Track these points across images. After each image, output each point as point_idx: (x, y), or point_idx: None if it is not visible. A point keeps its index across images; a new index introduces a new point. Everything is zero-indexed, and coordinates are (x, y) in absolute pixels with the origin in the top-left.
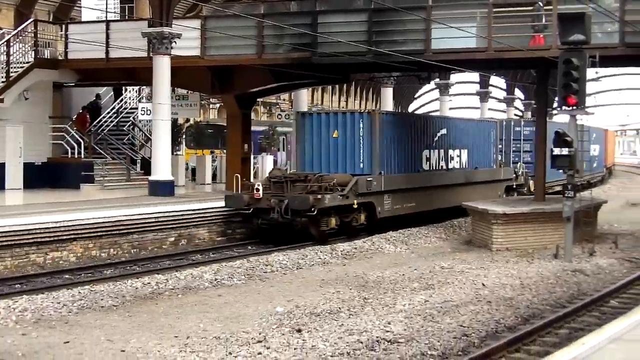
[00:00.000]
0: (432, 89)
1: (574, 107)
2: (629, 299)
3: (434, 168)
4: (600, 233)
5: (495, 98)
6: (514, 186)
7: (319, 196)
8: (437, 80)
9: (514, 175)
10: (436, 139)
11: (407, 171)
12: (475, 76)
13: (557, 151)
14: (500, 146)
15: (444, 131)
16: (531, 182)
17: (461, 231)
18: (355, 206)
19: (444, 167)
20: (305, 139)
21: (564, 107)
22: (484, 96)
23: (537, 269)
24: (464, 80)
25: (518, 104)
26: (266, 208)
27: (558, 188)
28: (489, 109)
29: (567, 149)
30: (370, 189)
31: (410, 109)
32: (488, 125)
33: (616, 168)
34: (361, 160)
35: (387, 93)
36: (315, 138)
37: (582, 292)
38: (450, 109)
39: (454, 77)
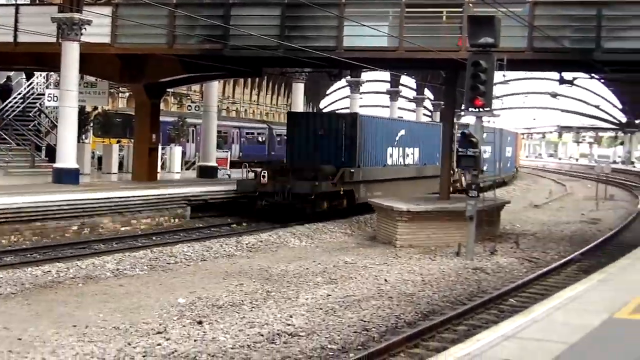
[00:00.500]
0: (344, 86)
1: (480, 109)
2: (527, 297)
3: (395, 163)
4: (503, 233)
5: (406, 97)
6: (452, 181)
7: (317, 183)
8: (349, 77)
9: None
10: (397, 138)
11: (377, 165)
12: (386, 75)
13: (462, 151)
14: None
15: (402, 132)
16: (463, 178)
17: (367, 227)
18: (342, 192)
19: (402, 162)
20: (295, 135)
21: (470, 109)
22: (394, 95)
23: (439, 266)
24: (375, 79)
25: (428, 104)
26: (270, 192)
27: None
28: (399, 108)
29: (472, 150)
30: (352, 179)
31: (322, 105)
32: (435, 127)
33: (521, 170)
34: (343, 155)
35: (299, 88)
36: (304, 134)
37: (482, 289)
38: (361, 106)
39: (365, 75)
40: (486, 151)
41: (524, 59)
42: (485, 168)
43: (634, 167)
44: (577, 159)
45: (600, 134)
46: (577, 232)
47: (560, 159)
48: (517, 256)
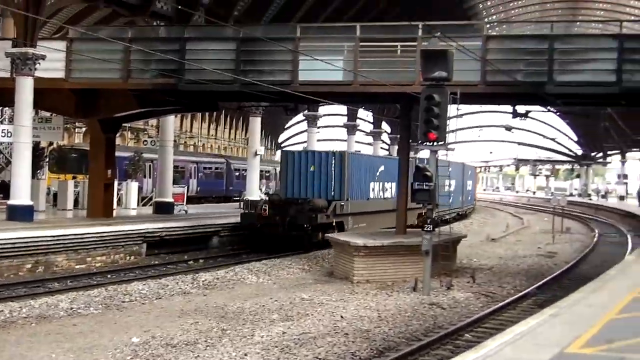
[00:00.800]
0: (302, 120)
1: (435, 143)
2: (483, 332)
3: (376, 197)
4: (459, 267)
5: (363, 131)
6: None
7: (314, 215)
8: (306, 111)
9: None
10: (377, 174)
11: (362, 198)
12: (343, 109)
13: (417, 185)
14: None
15: (382, 168)
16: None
17: (324, 263)
18: (334, 224)
19: (382, 196)
20: (288, 171)
21: (424, 143)
22: (351, 129)
23: (396, 302)
24: (333, 113)
25: (385, 137)
26: (272, 224)
27: None
28: (357, 142)
29: (427, 184)
30: (342, 211)
31: (280, 139)
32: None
33: (479, 204)
34: (333, 189)
35: (256, 122)
36: (297, 170)
37: (438, 325)
38: (319, 140)
39: (323, 109)
40: (451, 185)
41: (477, 92)
42: (450, 200)
43: (590, 199)
44: (534, 192)
45: (557, 166)
46: (533, 266)
47: (517, 192)
48: (473, 291)
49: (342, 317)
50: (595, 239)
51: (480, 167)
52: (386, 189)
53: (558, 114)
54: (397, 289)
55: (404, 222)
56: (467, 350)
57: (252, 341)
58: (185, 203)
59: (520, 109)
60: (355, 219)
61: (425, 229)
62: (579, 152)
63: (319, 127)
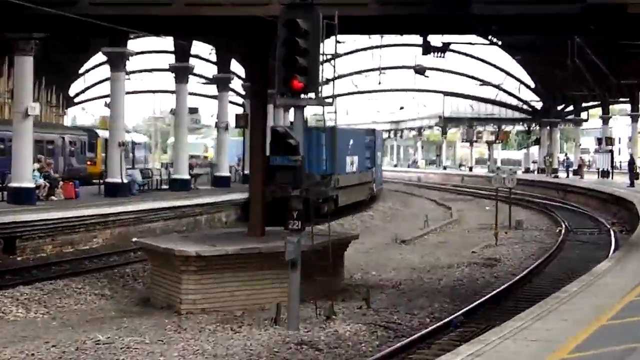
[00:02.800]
0: (103, 63)
1: (302, 94)
2: None
3: (349, 171)
4: (348, 285)
5: (202, 77)
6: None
7: (324, 188)
8: (107, 48)
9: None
10: (349, 147)
11: (342, 173)
12: (170, 43)
13: (276, 161)
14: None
15: (351, 141)
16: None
17: (136, 283)
18: (335, 197)
19: (352, 170)
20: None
21: (285, 95)
22: (182, 74)
23: (246, 342)
24: (153, 49)
25: (238, 85)
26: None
27: None
28: (192, 94)
29: (291, 158)
30: (337, 185)
31: (72, 91)
32: (362, 134)
33: (386, 186)
34: (325, 164)
35: (26, 65)
36: None
37: None
38: (132, 93)
39: (137, 44)
40: (353, 162)
41: (368, 15)
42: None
43: (556, 176)
44: (470, 168)
45: (505, 127)
46: (462, 281)
47: (444, 167)
48: (367, 321)
49: None
50: (560, 238)
51: (387, 131)
52: (353, 163)
53: (501, 45)
54: (250, 321)
55: (261, 218)
56: None
57: None
58: None
59: (436, 40)
60: (343, 193)
61: (290, 226)
62: (538, 105)
63: (129, 73)
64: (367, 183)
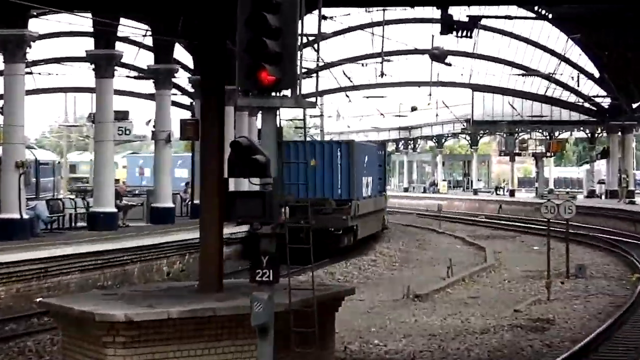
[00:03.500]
0: None
1: (273, 91)
2: None
3: (366, 195)
4: (340, 359)
5: (134, 68)
6: None
7: (344, 217)
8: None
9: None
10: (365, 166)
11: (360, 198)
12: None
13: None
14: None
15: (366, 158)
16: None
17: None
18: (354, 227)
19: (368, 194)
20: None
21: (250, 92)
22: (104, 64)
23: None
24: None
25: (184, 80)
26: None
27: None
28: (118, 92)
29: (261, 180)
30: (357, 212)
31: None
32: (372, 148)
33: (393, 218)
34: (340, 187)
35: None
36: (291, 165)
37: None
38: (31, 92)
39: (38, 25)
40: (369, 185)
41: None
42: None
43: (633, 201)
44: (511, 191)
45: (561, 134)
46: (502, 352)
47: (475, 191)
48: None
49: None
50: (638, 290)
51: (394, 141)
52: (369, 185)
53: (552, 18)
54: None
55: (218, 266)
56: None
57: None
58: None
59: (460, 13)
60: (362, 222)
61: (257, 278)
62: (605, 102)
63: (32, 64)
64: (381, 211)
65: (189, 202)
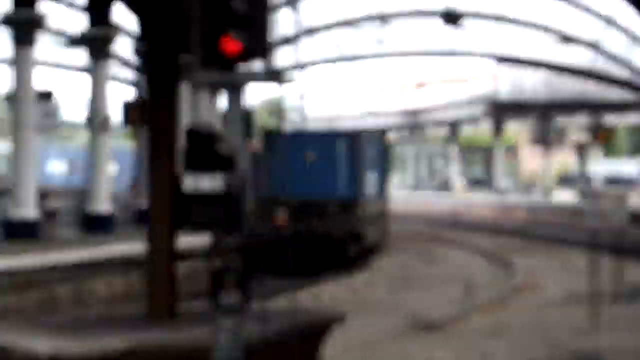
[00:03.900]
0: None
1: (240, 63)
2: None
3: (369, 193)
4: None
5: (63, 34)
6: None
7: (351, 221)
8: None
9: None
10: (368, 159)
11: (364, 197)
12: None
13: (192, 182)
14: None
15: (370, 150)
16: None
17: None
18: (361, 233)
19: (371, 191)
20: (273, 161)
21: (212, 64)
22: (23, 29)
23: None
24: None
25: (127, 49)
26: (292, 235)
27: None
28: (43, 64)
29: (223, 179)
30: (364, 214)
31: None
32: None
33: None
34: (344, 184)
35: None
36: (286, 160)
37: None
38: None
39: None
40: (372, 183)
41: None
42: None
43: None
44: (547, 191)
45: (609, 118)
46: None
47: (500, 191)
48: None
49: None
50: None
51: (397, 128)
52: (372, 183)
53: None
54: None
55: (170, 287)
56: None
57: None
58: None
59: None
60: (371, 227)
61: (220, 303)
62: None
63: None
64: (384, 216)
65: (135, 206)
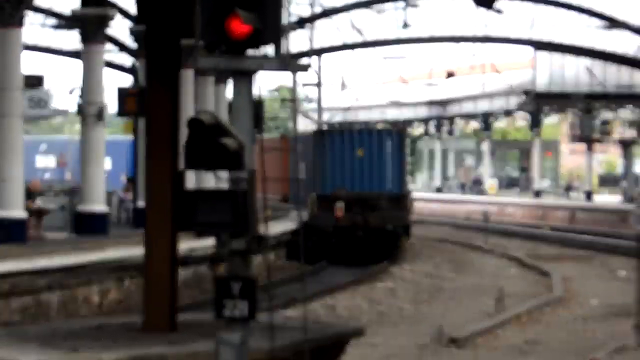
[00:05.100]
0: None
1: (248, 48)
2: None
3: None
4: None
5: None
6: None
7: (403, 213)
8: None
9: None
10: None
11: (398, 190)
12: None
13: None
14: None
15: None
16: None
17: None
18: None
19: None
20: (326, 156)
21: (217, 48)
22: (9, 8)
23: None
24: None
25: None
26: (347, 226)
27: None
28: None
29: (228, 173)
30: (411, 208)
31: None
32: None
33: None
34: (392, 179)
35: None
36: (337, 156)
37: None
38: None
39: None
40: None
41: None
42: None
43: None
44: (589, 192)
45: None
46: None
47: (538, 193)
48: None
49: None
50: None
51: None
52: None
53: None
54: None
55: (169, 296)
56: None
57: None
58: None
59: None
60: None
61: (225, 314)
62: None
63: None
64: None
65: (132, 205)
